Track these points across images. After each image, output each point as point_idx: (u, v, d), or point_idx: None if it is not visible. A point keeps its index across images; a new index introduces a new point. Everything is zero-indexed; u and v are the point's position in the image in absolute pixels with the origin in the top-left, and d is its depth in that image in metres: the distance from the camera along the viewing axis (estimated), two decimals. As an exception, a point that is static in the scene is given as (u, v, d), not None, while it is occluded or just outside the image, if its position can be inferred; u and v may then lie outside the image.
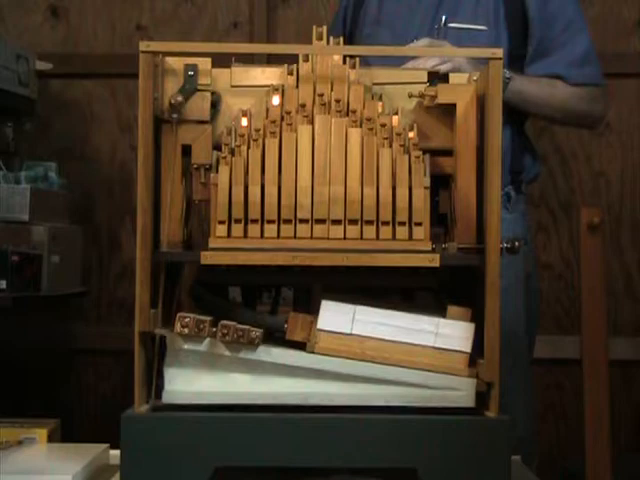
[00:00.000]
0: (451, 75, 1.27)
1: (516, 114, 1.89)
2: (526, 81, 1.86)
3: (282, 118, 1.20)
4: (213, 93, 1.23)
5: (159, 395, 1.18)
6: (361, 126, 1.20)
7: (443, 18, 1.89)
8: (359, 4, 2.02)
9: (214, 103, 1.23)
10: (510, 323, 1.82)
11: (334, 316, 1.17)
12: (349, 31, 2.02)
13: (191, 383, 1.17)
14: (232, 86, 1.25)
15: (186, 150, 1.23)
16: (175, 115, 1.21)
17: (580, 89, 1.91)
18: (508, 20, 1.89)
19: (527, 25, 1.90)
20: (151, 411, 1.17)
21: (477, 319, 1.18)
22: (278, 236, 1.17)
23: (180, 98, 1.21)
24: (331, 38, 1.26)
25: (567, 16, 1.91)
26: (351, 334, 1.17)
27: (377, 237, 1.17)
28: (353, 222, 1.17)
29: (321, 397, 1.16)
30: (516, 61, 1.88)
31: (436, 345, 1.17)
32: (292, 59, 1.27)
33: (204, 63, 1.24)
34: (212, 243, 1.17)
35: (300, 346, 1.18)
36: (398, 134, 1.20)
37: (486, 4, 1.90)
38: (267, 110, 1.22)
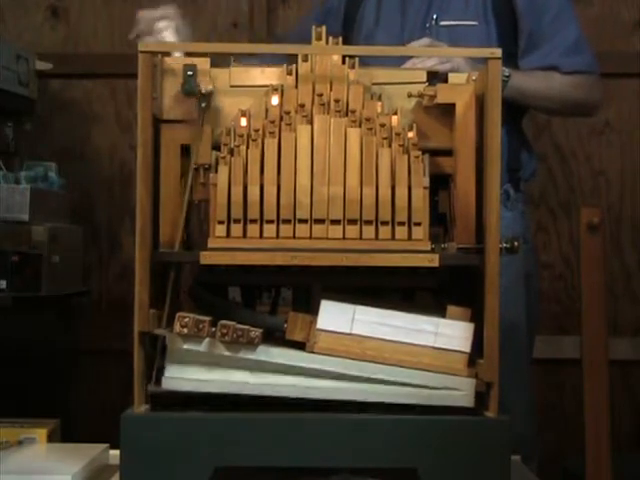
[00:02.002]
0: (450, 75, 1.27)
1: (513, 111, 1.90)
2: (523, 76, 1.87)
3: (281, 118, 1.20)
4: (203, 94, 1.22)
5: (159, 381, 1.17)
6: (360, 126, 1.19)
7: (434, 17, 1.91)
8: (355, 6, 2.02)
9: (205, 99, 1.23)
10: (511, 323, 1.82)
11: (334, 316, 1.17)
12: (343, 32, 2.01)
13: (190, 375, 1.17)
14: (231, 86, 1.25)
15: (186, 150, 1.23)
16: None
17: (576, 77, 1.92)
18: (497, 15, 1.90)
19: (516, 19, 1.91)
20: (150, 408, 1.17)
21: (477, 319, 1.18)
22: (277, 236, 1.17)
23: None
24: (330, 38, 1.26)
25: (555, 6, 1.93)
26: (351, 334, 1.17)
27: (376, 237, 1.17)
28: (352, 222, 1.16)
29: (321, 391, 1.16)
30: (508, 58, 1.88)
31: (436, 345, 1.17)
32: (291, 59, 1.27)
33: (203, 63, 1.23)
34: (211, 243, 1.17)
35: (300, 346, 1.18)
36: (397, 134, 1.20)
37: (476, 1, 1.91)
38: (266, 110, 1.22)
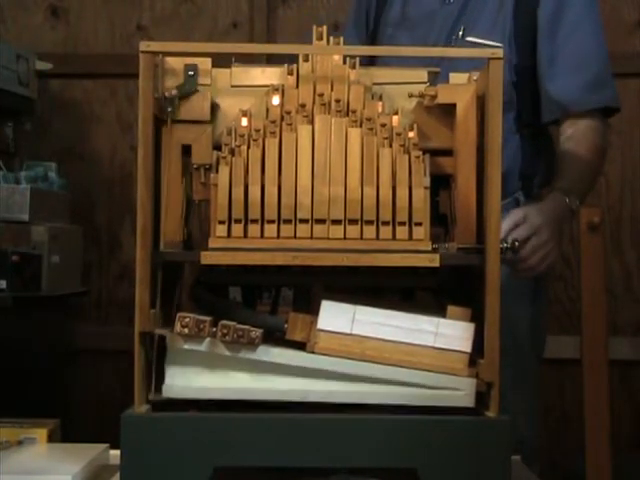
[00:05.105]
0: (451, 75, 1.27)
1: (528, 118, 1.86)
2: (575, 184, 1.78)
3: (282, 118, 1.20)
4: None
5: (159, 389, 1.17)
6: (361, 126, 1.19)
7: (462, 29, 1.87)
8: (383, 2, 1.99)
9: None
10: (517, 324, 1.81)
11: (334, 316, 1.17)
12: (372, 30, 1.99)
13: (191, 380, 1.17)
14: (232, 86, 1.25)
15: (186, 150, 1.23)
16: (170, 109, 1.21)
17: (594, 120, 1.88)
18: (519, 40, 1.86)
19: (536, 42, 1.87)
20: (151, 408, 1.17)
21: (477, 319, 1.17)
22: (278, 236, 1.16)
23: (175, 92, 1.21)
24: (331, 38, 1.26)
25: (575, 46, 1.86)
26: (351, 334, 1.17)
27: (377, 237, 1.17)
28: (353, 222, 1.16)
29: (321, 394, 1.16)
30: (524, 73, 1.85)
31: (436, 345, 1.17)
32: (291, 59, 1.27)
33: (204, 63, 1.24)
34: (212, 243, 1.17)
35: (300, 346, 1.18)
36: (398, 134, 1.20)
37: (503, 22, 1.86)
38: (267, 110, 1.22)
